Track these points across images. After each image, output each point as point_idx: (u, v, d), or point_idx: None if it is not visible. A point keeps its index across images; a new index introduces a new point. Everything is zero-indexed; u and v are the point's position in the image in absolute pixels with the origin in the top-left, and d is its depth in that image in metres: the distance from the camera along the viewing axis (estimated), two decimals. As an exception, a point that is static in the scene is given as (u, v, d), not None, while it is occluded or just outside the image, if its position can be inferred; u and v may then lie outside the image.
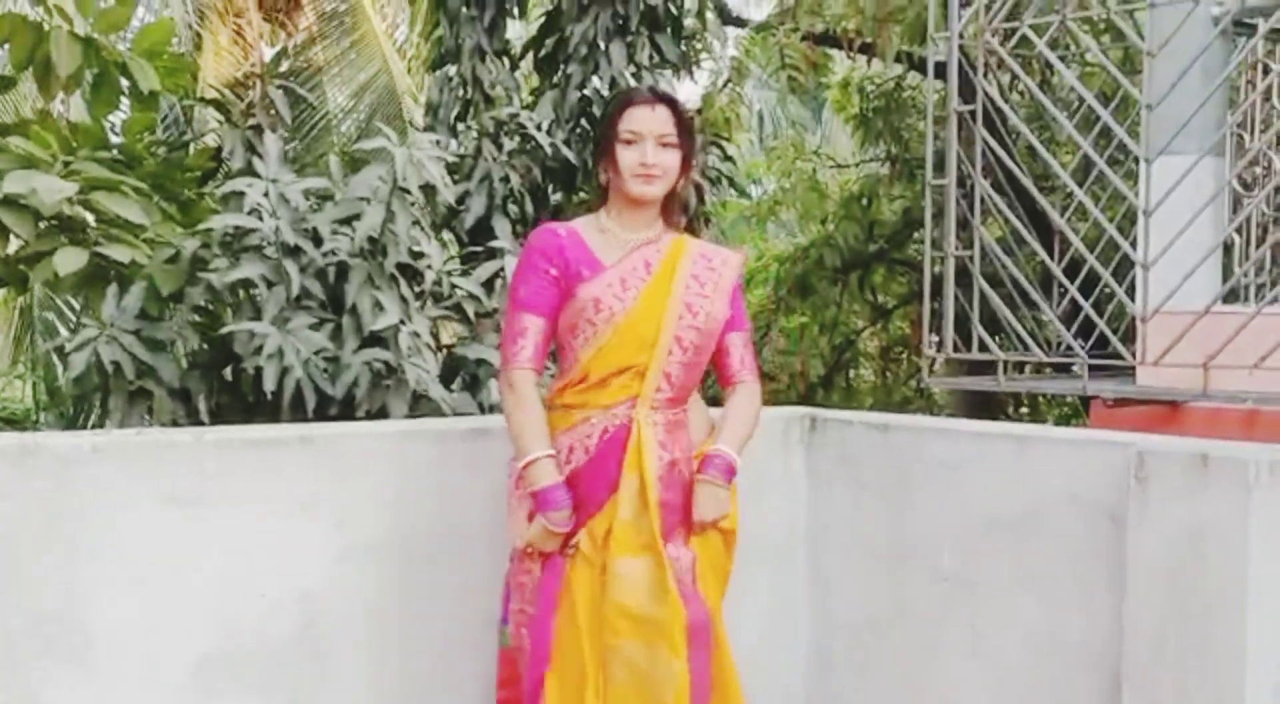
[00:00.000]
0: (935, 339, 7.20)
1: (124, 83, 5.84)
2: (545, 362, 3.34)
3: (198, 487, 3.46)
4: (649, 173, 3.25)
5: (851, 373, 12.67)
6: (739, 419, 3.43)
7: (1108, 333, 6.39)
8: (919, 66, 10.22)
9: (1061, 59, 7.69)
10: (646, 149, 3.25)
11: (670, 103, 3.32)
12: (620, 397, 3.29)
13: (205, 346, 5.33)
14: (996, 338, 7.16)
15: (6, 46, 5.67)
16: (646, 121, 3.28)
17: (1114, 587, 3.59)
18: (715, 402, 3.62)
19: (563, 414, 3.33)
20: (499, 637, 3.48)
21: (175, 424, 5.17)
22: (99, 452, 3.32)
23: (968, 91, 6.79)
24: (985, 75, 6.69)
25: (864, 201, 10.81)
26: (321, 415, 4.95)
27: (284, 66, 14.22)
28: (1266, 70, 6.91)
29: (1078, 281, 6.67)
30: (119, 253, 5.26)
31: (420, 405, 5.15)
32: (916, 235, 11.21)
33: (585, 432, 3.30)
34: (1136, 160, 7.09)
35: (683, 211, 3.74)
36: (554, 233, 3.35)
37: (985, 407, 10.78)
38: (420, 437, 3.91)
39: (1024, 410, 12.59)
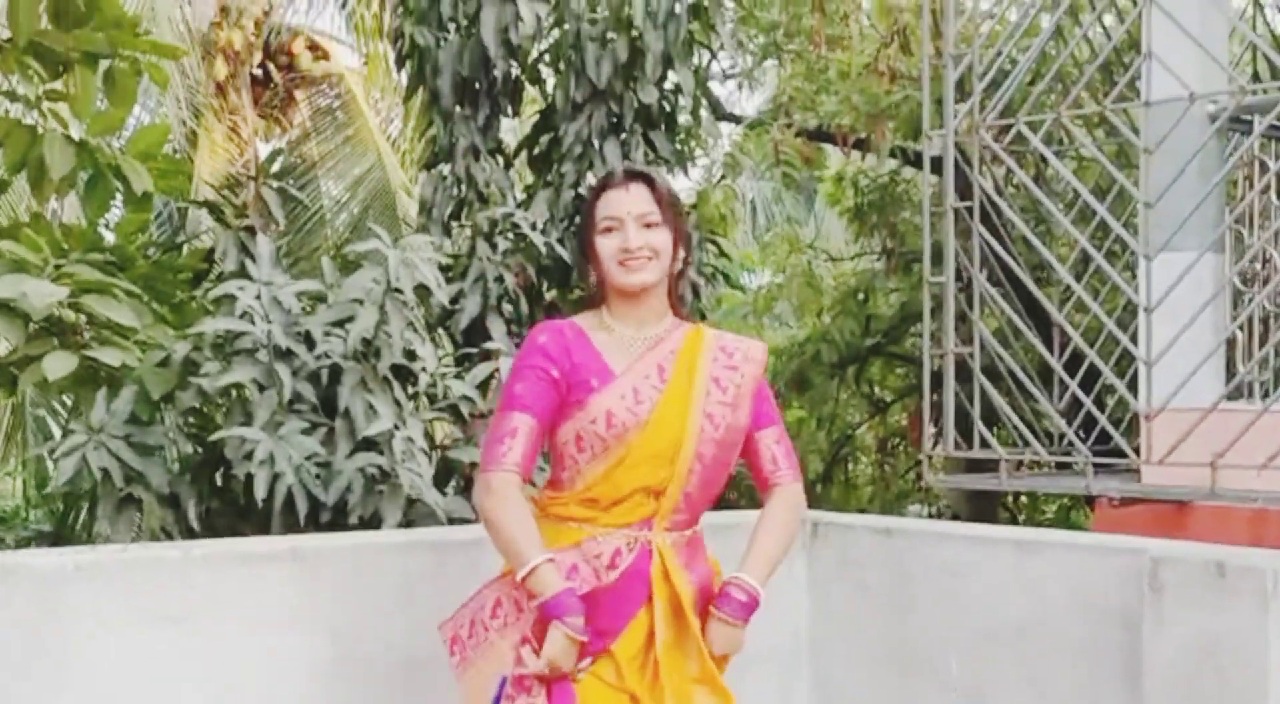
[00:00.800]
0: (934, 430, 7.14)
1: (118, 184, 5.79)
2: (533, 467, 2.98)
3: (185, 604, 3.37)
4: (634, 258, 2.93)
5: (850, 467, 12.58)
6: (771, 535, 3.06)
7: (1112, 431, 6.32)
8: (913, 161, 10.25)
9: (1056, 154, 7.71)
10: (628, 233, 2.93)
11: (646, 179, 3.01)
12: (634, 517, 2.95)
13: (196, 451, 5.26)
14: (993, 429, 7.10)
15: (1, 149, 5.65)
16: (622, 204, 2.96)
17: (1127, 694, 3.51)
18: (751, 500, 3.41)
19: (558, 527, 2.98)
20: None
21: (164, 530, 5.10)
22: (82, 570, 3.24)
23: (963, 186, 6.79)
24: (980, 170, 6.68)
25: (861, 297, 10.76)
26: (313, 521, 4.86)
27: (278, 164, 14.35)
28: (1263, 165, 6.91)
29: (1078, 377, 6.62)
30: (110, 356, 5.21)
31: (414, 510, 5.06)
32: (913, 329, 11.17)
33: (593, 551, 2.93)
34: (1133, 254, 7.09)
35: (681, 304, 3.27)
36: (560, 331, 3.01)
37: (984, 498, 10.69)
38: (416, 547, 3.83)
39: (1023, 500, 12.52)
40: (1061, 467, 7.51)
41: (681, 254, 3.06)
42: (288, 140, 15.05)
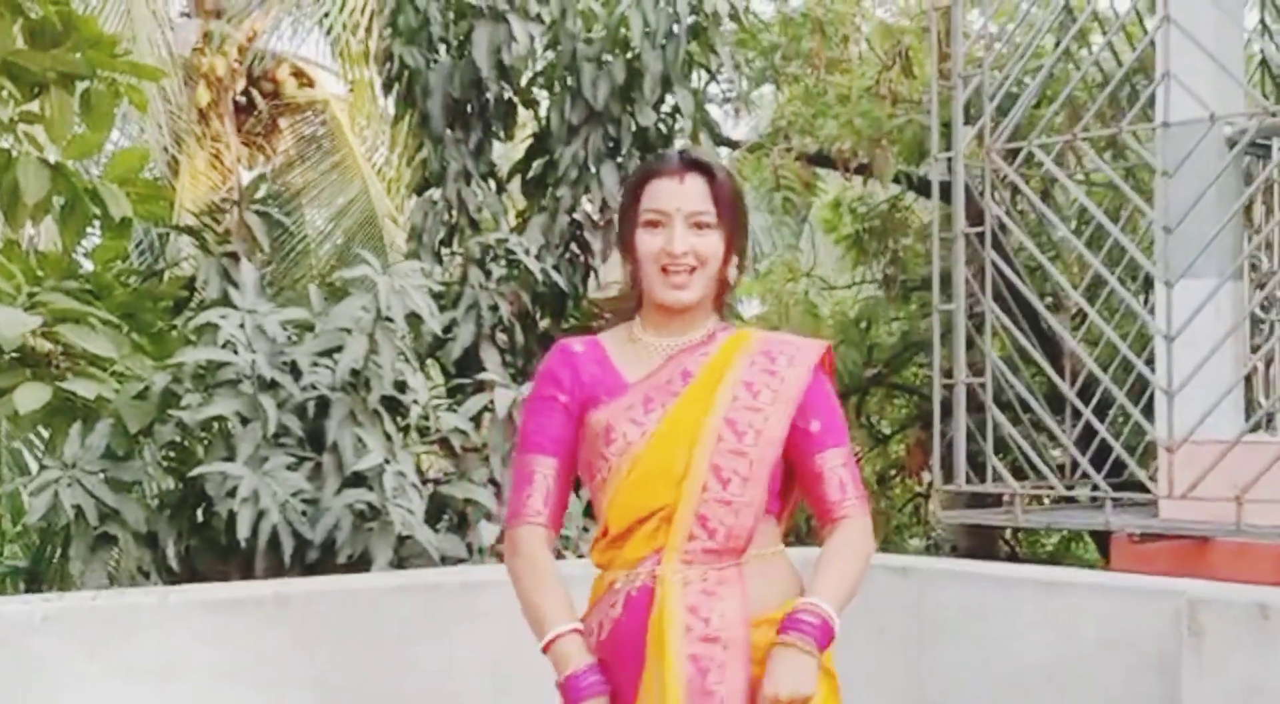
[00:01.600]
0: (942, 462, 6.91)
1: (95, 210, 5.62)
2: (563, 513, 2.59)
3: (162, 656, 3.15)
4: (677, 265, 2.48)
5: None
6: (839, 566, 2.48)
7: (1132, 465, 6.12)
8: (917, 186, 10.10)
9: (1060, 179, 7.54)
10: (674, 234, 2.47)
11: (705, 170, 2.53)
12: (645, 550, 2.47)
13: (176, 486, 5.06)
14: (1002, 457, 6.88)
15: (-28, 174, 5.48)
16: (673, 197, 2.50)
17: (1162, 745, 3.31)
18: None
19: (597, 582, 2.57)
20: None
21: (141, 570, 4.92)
22: (50, 620, 3.01)
23: (970, 211, 6.62)
24: (990, 195, 6.50)
25: (863, 325, 10.57)
26: (299, 561, 4.70)
27: (262, 191, 14.15)
28: (1283, 190, 6.75)
29: (1090, 408, 6.43)
30: (85, 388, 5.06)
31: (404, 548, 4.87)
32: (916, 358, 11.00)
33: (610, 601, 2.49)
34: (1147, 281, 6.91)
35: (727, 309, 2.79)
36: (567, 350, 2.62)
37: (983, 530, 10.48)
38: (409, 592, 3.61)
39: (1021, 532, 12.35)
40: (1067, 500, 7.30)
41: (735, 260, 2.58)
42: (271, 167, 14.89)
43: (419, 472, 5.55)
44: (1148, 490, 6.14)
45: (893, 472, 12.42)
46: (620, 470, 2.49)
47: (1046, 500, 7.60)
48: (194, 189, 13.66)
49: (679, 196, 2.50)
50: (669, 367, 2.55)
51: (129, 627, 3.14)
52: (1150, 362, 6.34)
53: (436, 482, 5.39)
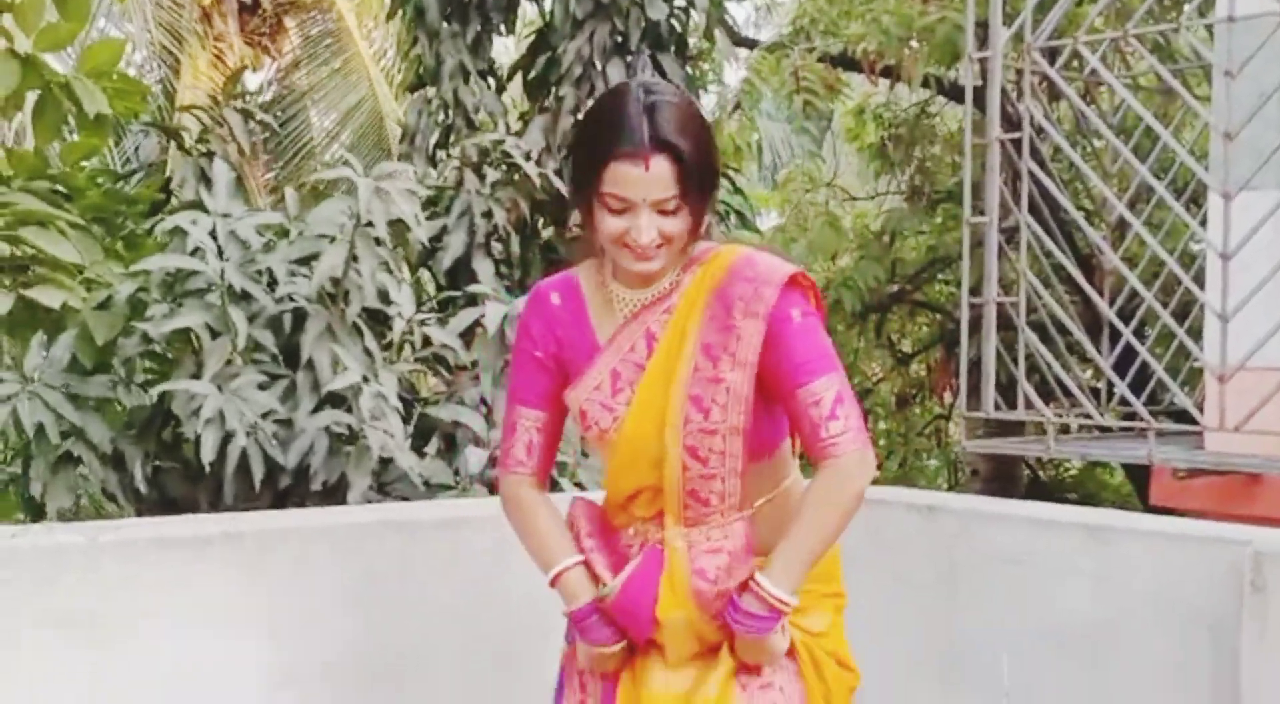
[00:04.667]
0: (969, 388, 6.51)
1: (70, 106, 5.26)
2: (550, 462, 2.59)
3: (94, 602, 2.80)
4: (642, 248, 2.33)
5: (870, 422, 12.02)
6: (804, 523, 2.38)
7: (1178, 393, 5.70)
8: (947, 91, 9.60)
9: (1099, 84, 7.06)
10: (640, 224, 2.30)
11: (673, 152, 2.27)
12: (648, 512, 2.48)
13: (145, 403, 4.72)
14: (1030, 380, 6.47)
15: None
16: (639, 185, 2.28)
17: (1216, 710, 2.95)
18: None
19: (604, 513, 2.59)
20: None
21: (106, 493, 4.64)
22: (-40, 562, 2.66)
23: (1003, 118, 6.15)
24: (1030, 99, 6.01)
25: (887, 239, 10.07)
26: (271, 486, 4.38)
27: (269, 95, 13.81)
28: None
29: (1130, 331, 6.00)
30: (49, 296, 4.71)
31: (386, 473, 4.53)
32: (941, 275, 10.57)
33: (625, 542, 2.51)
34: (1193, 197, 6.46)
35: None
36: (543, 300, 2.53)
37: (1011, 460, 10.08)
38: (381, 528, 3.26)
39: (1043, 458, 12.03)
40: (1096, 428, 6.88)
41: (708, 220, 2.42)
42: (277, 68, 14.51)
43: (411, 391, 5.21)
44: (1189, 419, 5.73)
45: (913, 391, 12.04)
46: (603, 453, 2.54)
47: (1074, 427, 7.18)
48: (194, 90, 13.27)
49: (645, 185, 2.29)
50: (633, 327, 2.46)
51: (55, 569, 2.79)
52: (1197, 281, 5.91)
53: (426, 401, 5.05)
